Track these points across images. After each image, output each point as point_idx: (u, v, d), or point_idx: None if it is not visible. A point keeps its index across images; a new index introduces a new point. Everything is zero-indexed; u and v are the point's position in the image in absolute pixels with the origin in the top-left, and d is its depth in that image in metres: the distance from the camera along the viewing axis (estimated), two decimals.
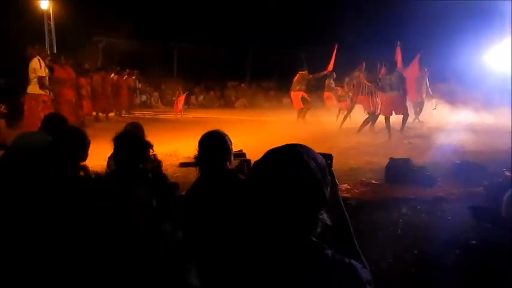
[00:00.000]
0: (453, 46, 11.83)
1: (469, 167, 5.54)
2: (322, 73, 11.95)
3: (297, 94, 11.63)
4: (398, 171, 5.40)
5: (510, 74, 7.60)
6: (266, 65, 19.74)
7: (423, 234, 3.55)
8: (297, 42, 19.89)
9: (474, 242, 3.23)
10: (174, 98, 16.48)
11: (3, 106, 7.38)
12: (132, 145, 2.69)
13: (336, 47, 11.65)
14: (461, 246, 3.17)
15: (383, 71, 9.75)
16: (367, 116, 9.80)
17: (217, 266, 1.34)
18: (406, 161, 5.63)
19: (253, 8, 19.05)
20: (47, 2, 14.00)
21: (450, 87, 14.63)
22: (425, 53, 12.03)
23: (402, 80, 8.91)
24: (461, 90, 13.13)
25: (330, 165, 1.36)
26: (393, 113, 9.09)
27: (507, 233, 3.20)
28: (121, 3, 17.33)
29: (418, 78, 11.38)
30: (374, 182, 5.49)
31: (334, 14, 15.42)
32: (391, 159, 5.71)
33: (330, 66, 11.80)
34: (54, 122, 3.68)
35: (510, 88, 7.36)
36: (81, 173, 3.09)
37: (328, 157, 1.37)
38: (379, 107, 9.54)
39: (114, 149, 2.71)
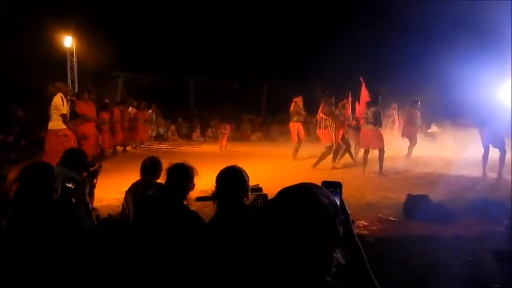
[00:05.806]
0: (466, 80, 11.72)
1: (487, 204, 5.45)
2: (310, 118, 11.36)
3: (293, 126, 11.21)
4: (417, 207, 5.33)
5: None
6: (280, 98, 19.88)
7: (444, 275, 3.46)
8: (310, 74, 20.09)
9: (497, 286, 3.14)
10: (220, 131, 16.64)
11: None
12: (186, 176, 3.04)
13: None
14: None
15: (362, 106, 9.67)
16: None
17: None
18: (424, 198, 5.56)
19: (268, 42, 19.43)
20: (70, 39, 14.51)
21: (464, 121, 14.45)
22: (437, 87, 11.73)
23: (377, 115, 8.75)
24: (475, 125, 12.91)
25: (340, 193, 1.39)
26: (370, 146, 8.89)
27: None
28: (139, 39, 17.97)
29: (409, 114, 11.03)
30: (392, 218, 5.42)
31: (345, 46, 15.44)
32: (409, 195, 5.65)
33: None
34: (73, 156, 3.98)
35: None
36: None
37: (338, 185, 1.40)
38: (339, 139, 9.62)
39: (170, 177, 3.04)
